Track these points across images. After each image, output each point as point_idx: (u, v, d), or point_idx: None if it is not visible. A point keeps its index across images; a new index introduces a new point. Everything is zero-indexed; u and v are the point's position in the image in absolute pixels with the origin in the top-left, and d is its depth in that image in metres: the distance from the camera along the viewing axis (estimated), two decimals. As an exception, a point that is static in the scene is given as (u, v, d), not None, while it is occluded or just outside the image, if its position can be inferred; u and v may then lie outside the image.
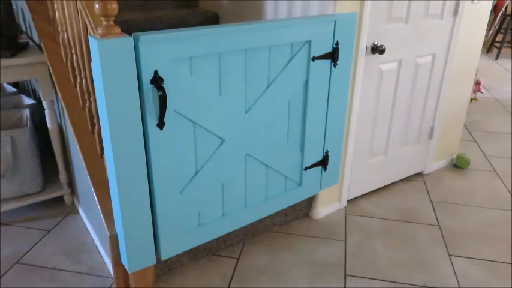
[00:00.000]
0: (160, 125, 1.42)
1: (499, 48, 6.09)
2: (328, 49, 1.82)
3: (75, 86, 1.97)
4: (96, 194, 1.71)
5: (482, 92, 3.98)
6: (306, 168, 1.99)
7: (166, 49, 1.36)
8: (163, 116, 1.39)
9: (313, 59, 1.78)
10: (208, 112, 1.55)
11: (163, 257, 1.63)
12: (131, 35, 1.30)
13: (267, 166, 1.86)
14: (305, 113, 1.88)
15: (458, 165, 2.94)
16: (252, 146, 1.76)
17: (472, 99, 3.96)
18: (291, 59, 1.72)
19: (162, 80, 1.37)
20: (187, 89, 1.46)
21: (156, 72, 1.35)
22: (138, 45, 1.30)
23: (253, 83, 1.66)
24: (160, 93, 1.35)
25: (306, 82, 1.82)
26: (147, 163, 1.47)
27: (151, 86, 1.35)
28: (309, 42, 1.74)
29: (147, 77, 1.34)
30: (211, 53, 1.48)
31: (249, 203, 1.87)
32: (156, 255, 1.61)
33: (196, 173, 1.63)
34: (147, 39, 1.30)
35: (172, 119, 1.45)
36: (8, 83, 2.93)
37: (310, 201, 2.37)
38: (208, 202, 1.72)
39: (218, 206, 1.77)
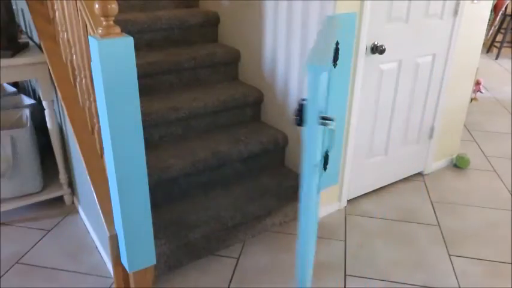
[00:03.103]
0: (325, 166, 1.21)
1: (499, 48, 6.08)
2: (328, 49, 1.81)
3: (75, 86, 1.97)
4: (96, 194, 1.71)
5: (482, 92, 3.98)
6: None
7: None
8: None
9: None
10: None
11: None
12: (131, 35, 1.29)
13: None
14: None
15: (458, 165, 2.94)
16: None
17: (472, 99, 3.96)
18: None
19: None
20: None
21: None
22: (313, 77, 1.00)
23: None
24: (333, 128, 1.12)
25: None
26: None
27: (320, 121, 1.08)
28: None
29: (316, 113, 1.04)
30: None
31: None
32: None
33: None
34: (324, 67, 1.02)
35: None
36: (8, 83, 2.93)
37: (310, 201, 2.37)
38: None
39: None
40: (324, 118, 1.11)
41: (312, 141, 1.08)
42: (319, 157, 1.16)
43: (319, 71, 1.03)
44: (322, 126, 1.12)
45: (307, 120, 1.07)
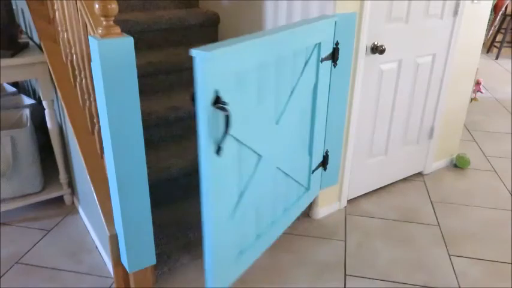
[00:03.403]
0: (219, 150, 1.28)
1: (499, 48, 6.08)
2: (329, 50, 1.82)
3: (75, 86, 1.97)
4: (96, 194, 1.71)
5: (482, 92, 3.98)
6: (313, 171, 1.98)
7: (225, 65, 1.22)
8: (224, 140, 1.26)
9: (322, 60, 1.77)
10: (250, 128, 1.44)
11: None
12: (131, 35, 1.28)
13: (287, 176, 1.78)
14: (314, 115, 1.85)
15: (458, 165, 2.94)
16: (279, 157, 1.66)
17: (472, 99, 3.96)
18: (306, 63, 1.69)
19: (223, 99, 1.22)
20: (235, 106, 1.33)
21: (216, 91, 1.21)
22: (198, 62, 1.14)
23: (281, 92, 1.58)
24: (226, 114, 1.21)
25: (316, 85, 1.80)
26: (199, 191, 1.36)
27: (212, 107, 1.20)
28: (319, 44, 1.72)
29: (207, 98, 1.19)
30: (254, 65, 1.38)
31: (275, 218, 1.79)
32: None
33: (240, 196, 1.50)
34: (210, 55, 1.14)
35: (224, 142, 1.32)
36: (8, 83, 2.93)
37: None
38: (248, 225, 1.60)
39: (253, 227, 1.65)
40: (216, 103, 1.19)
41: (203, 123, 1.19)
42: (214, 138, 1.25)
43: (203, 57, 1.12)
44: (215, 111, 1.21)
45: (197, 105, 1.18)
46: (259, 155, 1.55)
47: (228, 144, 1.36)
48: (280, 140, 1.66)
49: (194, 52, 1.14)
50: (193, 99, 1.21)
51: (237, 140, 1.41)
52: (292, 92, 1.65)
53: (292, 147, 1.76)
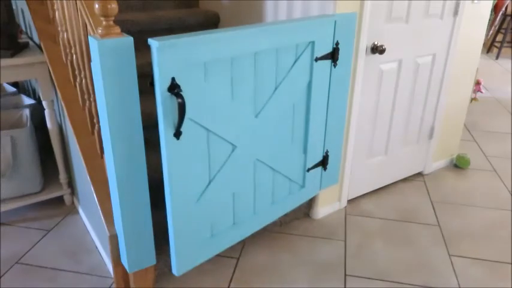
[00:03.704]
0: (177, 134, 1.38)
1: (499, 48, 6.08)
2: (329, 49, 1.81)
3: (75, 86, 1.97)
4: (96, 194, 1.71)
5: (482, 92, 3.98)
6: (308, 170, 1.99)
7: (183, 55, 1.31)
8: (181, 125, 1.34)
9: (316, 59, 1.77)
10: (221, 118, 1.52)
11: (179, 273, 1.58)
12: (131, 35, 1.29)
13: (273, 170, 1.83)
14: (308, 114, 1.87)
15: (458, 165, 2.94)
16: (260, 150, 1.72)
17: (472, 99, 3.96)
18: (296, 61, 1.71)
19: (179, 87, 1.32)
20: (202, 96, 1.41)
21: (173, 79, 1.30)
22: (154, 51, 1.24)
23: (262, 87, 1.63)
24: (180, 100, 1.30)
25: (309, 83, 1.81)
26: (162, 174, 1.43)
27: (169, 94, 1.30)
28: (313, 43, 1.73)
29: (163, 84, 1.29)
30: (225, 58, 1.44)
31: (258, 209, 1.84)
32: (164, 268, 1.56)
33: (209, 182, 1.58)
34: (164, 44, 1.25)
35: (187, 128, 1.41)
36: (8, 83, 2.93)
37: (310, 201, 2.37)
38: (220, 211, 1.67)
39: (229, 214, 1.72)
40: (172, 89, 1.29)
41: (160, 108, 1.31)
42: (173, 123, 1.35)
43: (158, 46, 1.23)
44: (172, 97, 1.31)
45: (155, 90, 1.29)
46: (233, 145, 1.61)
47: (192, 130, 1.44)
48: (261, 133, 1.70)
49: (150, 41, 1.25)
50: (151, 84, 1.31)
51: (204, 128, 1.48)
52: (276, 88, 1.68)
53: (280, 143, 1.80)
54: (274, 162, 1.81)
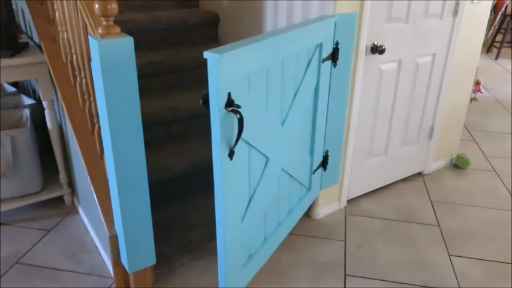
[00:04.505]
0: (231, 154, 1.26)
1: (499, 48, 6.08)
2: (330, 50, 1.82)
3: (75, 86, 1.97)
4: (96, 194, 1.71)
5: (482, 92, 3.98)
6: (314, 172, 1.98)
7: (237, 67, 1.21)
8: (237, 144, 1.23)
9: (323, 61, 1.77)
10: (259, 131, 1.43)
11: None
12: (131, 35, 1.28)
13: (291, 177, 1.78)
14: (315, 116, 1.85)
15: (458, 165, 2.94)
16: (284, 159, 1.66)
17: (472, 99, 3.96)
18: (308, 64, 1.68)
19: (234, 102, 1.20)
20: (246, 109, 1.31)
21: (229, 94, 1.19)
22: (214, 64, 1.12)
23: (286, 93, 1.58)
24: (239, 116, 1.18)
25: (317, 85, 1.80)
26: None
27: (225, 110, 1.19)
28: (321, 44, 1.72)
29: (221, 101, 1.17)
30: (263, 67, 1.37)
31: (280, 220, 1.79)
32: None
33: (250, 200, 1.50)
34: (225, 57, 1.12)
35: (236, 146, 1.30)
36: (8, 83, 2.93)
37: (310, 201, 2.37)
38: (256, 229, 1.59)
39: (262, 230, 1.65)
40: (229, 105, 1.17)
41: (216, 127, 1.19)
42: (228, 142, 1.24)
43: (217, 59, 1.12)
44: (228, 114, 1.19)
45: (210, 107, 1.17)
46: (267, 157, 1.54)
47: (240, 148, 1.35)
48: (285, 141, 1.65)
49: (207, 54, 1.13)
50: (205, 102, 1.19)
51: (247, 143, 1.40)
52: (296, 93, 1.65)
53: (296, 148, 1.77)
54: (292, 169, 1.75)
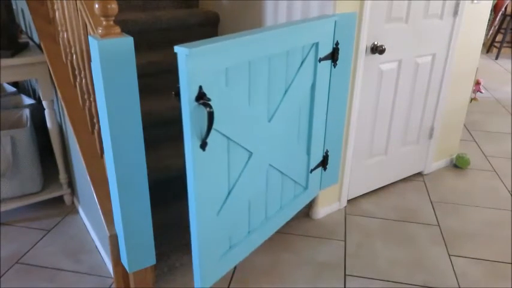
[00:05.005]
0: (204, 145, 1.31)
1: (499, 48, 6.09)
2: (329, 49, 1.82)
3: (75, 86, 1.97)
4: (96, 194, 1.71)
5: (482, 92, 3.98)
6: (311, 171, 1.99)
7: (209, 61, 1.25)
8: (208, 135, 1.29)
9: (320, 60, 1.77)
10: (240, 125, 1.46)
11: None
12: (131, 35, 1.28)
13: (282, 174, 1.80)
14: (312, 115, 1.86)
15: (458, 165, 2.94)
16: (273, 155, 1.68)
17: (472, 99, 3.96)
18: (302, 63, 1.69)
19: (206, 95, 1.25)
20: (223, 103, 1.35)
21: (200, 87, 1.24)
22: (183, 58, 1.17)
23: (275, 90, 1.60)
24: (209, 110, 1.23)
25: (313, 84, 1.80)
26: (186, 187, 1.37)
27: (196, 103, 1.24)
28: (317, 44, 1.72)
29: (191, 94, 1.22)
30: (244, 62, 1.40)
31: (269, 215, 1.81)
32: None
33: (229, 193, 1.53)
34: (194, 52, 1.18)
35: (210, 137, 1.35)
36: (8, 83, 2.93)
37: (310, 201, 2.37)
38: (238, 222, 1.62)
39: (245, 224, 1.67)
40: (200, 98, 1.23)
41: (187, 119, 1.24)
42: (199, 133, 1.29)
43: (186, 54, 1.17)
44: (199, 107, 1.25)
45: (181, 100, 1.23)
46: (250, 152, 1.57)
47: (215, 140, 1.38)
48: (273, 138, 1.67)
49: (177, 49, 1.18)
50: (176, 94, 1.25)
51: (225, 136, 1.43)
52: (286, 91, 1.66)
53: (288, 146, 1.77)
54: (283, 166, 1.78)
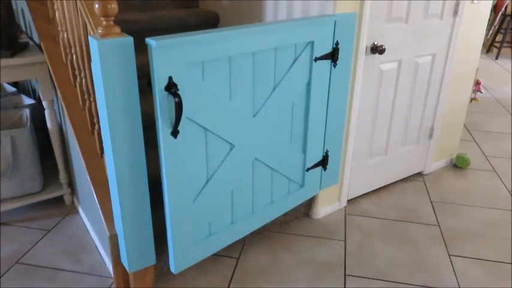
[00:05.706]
0: (175, 133, 1.39)
1: (499, 48, 6.09)
2: (329, 49, 1.82)
3: (75, 86, 1.97)
4: (96, 194, 1.71)
5: (482, 92, 3.98)
6: (308, 169, 1.99)
7: (180, 54, 1.32)
8: (178, 124, 1.36)
9: (316, 59, 1.78)
10: (219, 117, 1.53)
11: (176, 271, 1.60)
12: (131, 35, 1.29)
13: (272, 169, 1.84)
14: (307, 114, 1.87)
15: (458, 165, 2.94)
16: (259, 149, 1.73)
17: (472, 99, 3.96)
18: (295, 61, 1.71)
19: (176, 86, 1.33)
20: (200, 95, 1.42)
21: (170, 78, 1.31)
22: (152, 50, 1.25)
23: (261, 86, 1.64)
24: (177, 100, 1.31)
25: (309, 83, 1.81)
26: (160, 172, 1.45)
27: (166, 93, 1.32)
28: (312, 42, 1.73)
29: (161, 84, 1.30)
30: (222, 57, 1.45)
31: (256, 208, 1.85)
32: (163, 267, 1.57)
33: (207, 181, 1.60)
34: (162, 44, 1.26)
35: (185, 127, 1.42)
36: (8, 83, 2.93)
37: (310, 201, 2.37)
38: (218, 210, 1.69)
39: (227, 213, 1.74)
40: (170, 88, 1.32)
41: (157, 107, 1.32)
42: (170, 121, 1.37)
43: (155, 45, 1.25)
44: (169, 96, 1.33)
45: (152, 89, 1.30)
46: (232, 144, 1.62)
47: (190, 129, 1.45)
48: (260, 132, 1.71)
49: (148, 40, 1.26)
50: (148, 83, 1.33)
51: (202, 127, 1.49)
52: (275, 88, 1.68)
53: (278, 142, 1.80)
54: (273, 162, 1.82)
